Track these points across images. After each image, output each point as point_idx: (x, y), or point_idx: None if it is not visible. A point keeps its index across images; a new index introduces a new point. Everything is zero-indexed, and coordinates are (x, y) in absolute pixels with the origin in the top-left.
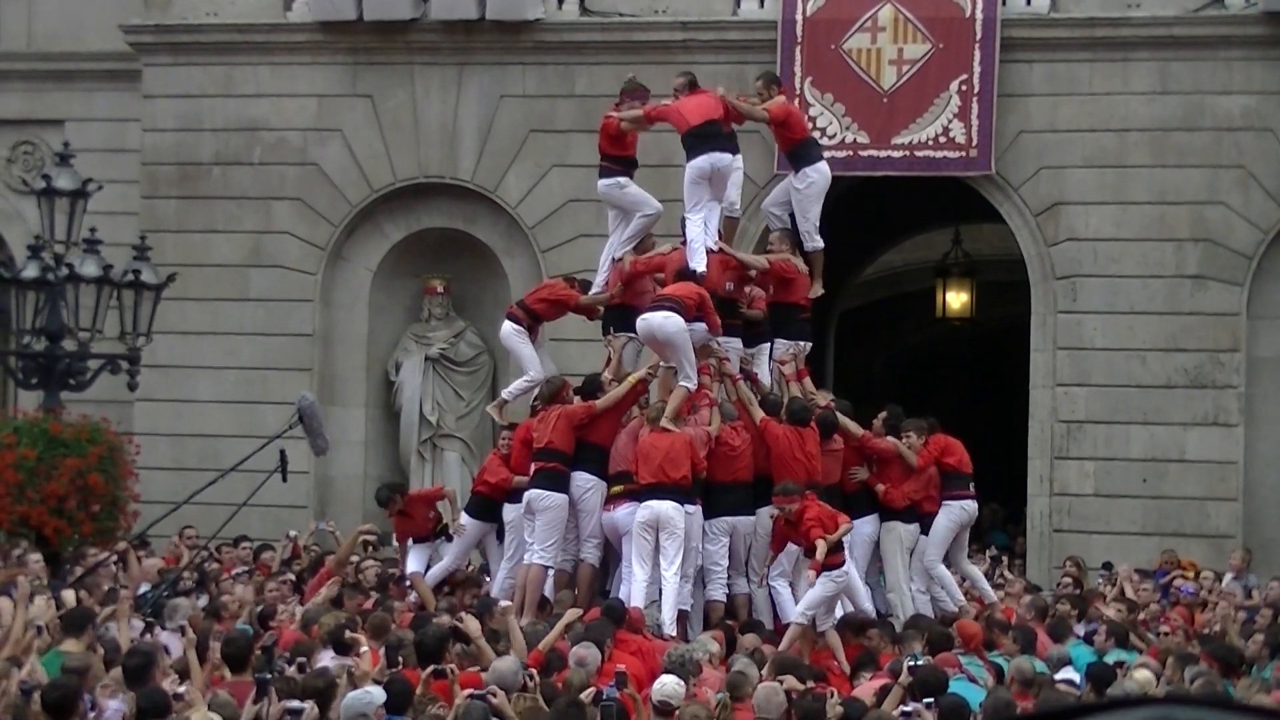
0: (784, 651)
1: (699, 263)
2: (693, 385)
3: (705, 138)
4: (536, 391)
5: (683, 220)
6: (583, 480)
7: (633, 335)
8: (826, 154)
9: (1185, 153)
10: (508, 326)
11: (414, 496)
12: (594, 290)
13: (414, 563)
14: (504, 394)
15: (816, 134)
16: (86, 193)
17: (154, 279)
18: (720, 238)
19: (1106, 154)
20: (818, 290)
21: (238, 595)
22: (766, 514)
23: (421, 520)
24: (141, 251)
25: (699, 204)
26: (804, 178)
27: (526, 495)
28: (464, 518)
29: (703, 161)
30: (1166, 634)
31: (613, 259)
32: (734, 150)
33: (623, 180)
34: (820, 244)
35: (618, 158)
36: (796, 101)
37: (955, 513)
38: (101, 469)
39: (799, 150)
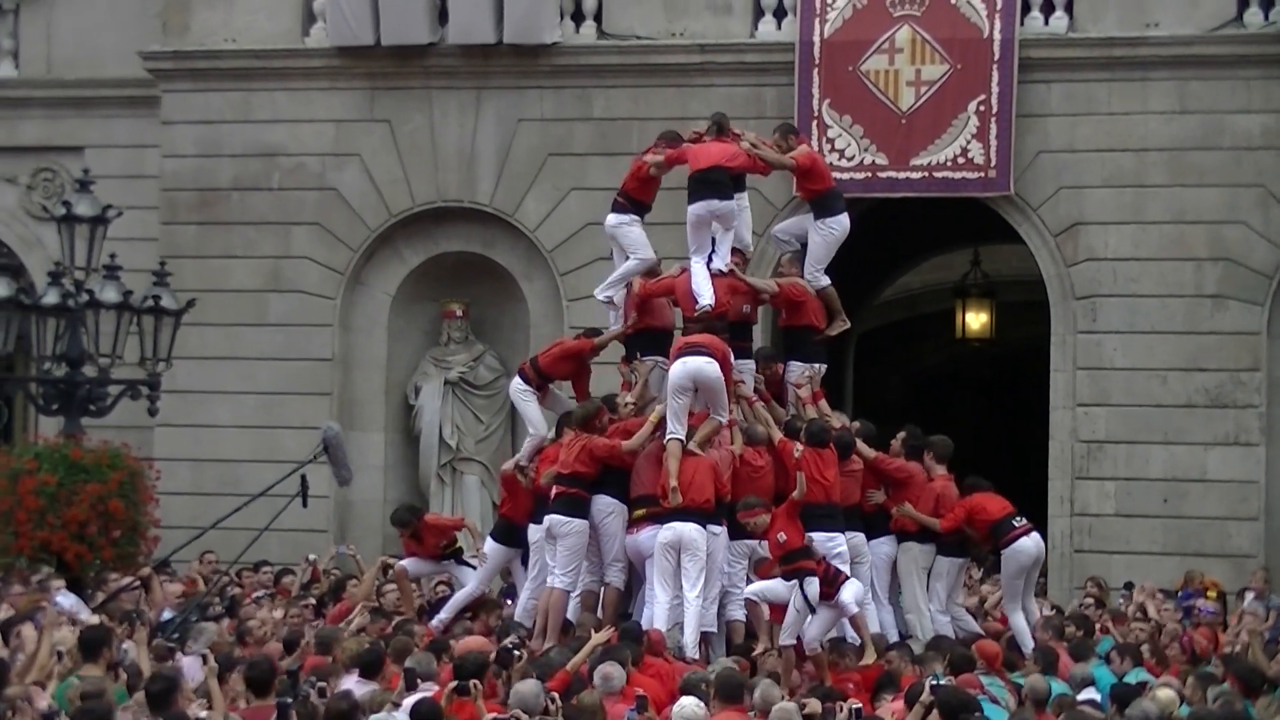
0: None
1: (704, 297)
2: (724, 420)
3: (705, 184)
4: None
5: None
6: (604, 504)
7: (658, 360)
8: (844, 176)
9: (1204, 172)
10: (515, 383)
11: (430, 524)
12: (612, 325)
13: (408, 563)
14: (519, 458)
15: (834, 155)
16: (106, 219)
17: (173, 304)
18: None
19: (1125, 174)
20: (839, 327)
21: (263, 618)
22: None
23: (431, 547)
24: (161, 277)
25: (700, 248)
26: (823, 227)
27: (546, 520)
28: (488, 543)
29: (700, 208)
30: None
31: (604, 297)
32: (731, 196)
33: (631, 219)
34: (825, 282)
35: (635, 199)
36: (814, 124)
37: (1010, 559)
38: (122, 494)
39: (822, 201)
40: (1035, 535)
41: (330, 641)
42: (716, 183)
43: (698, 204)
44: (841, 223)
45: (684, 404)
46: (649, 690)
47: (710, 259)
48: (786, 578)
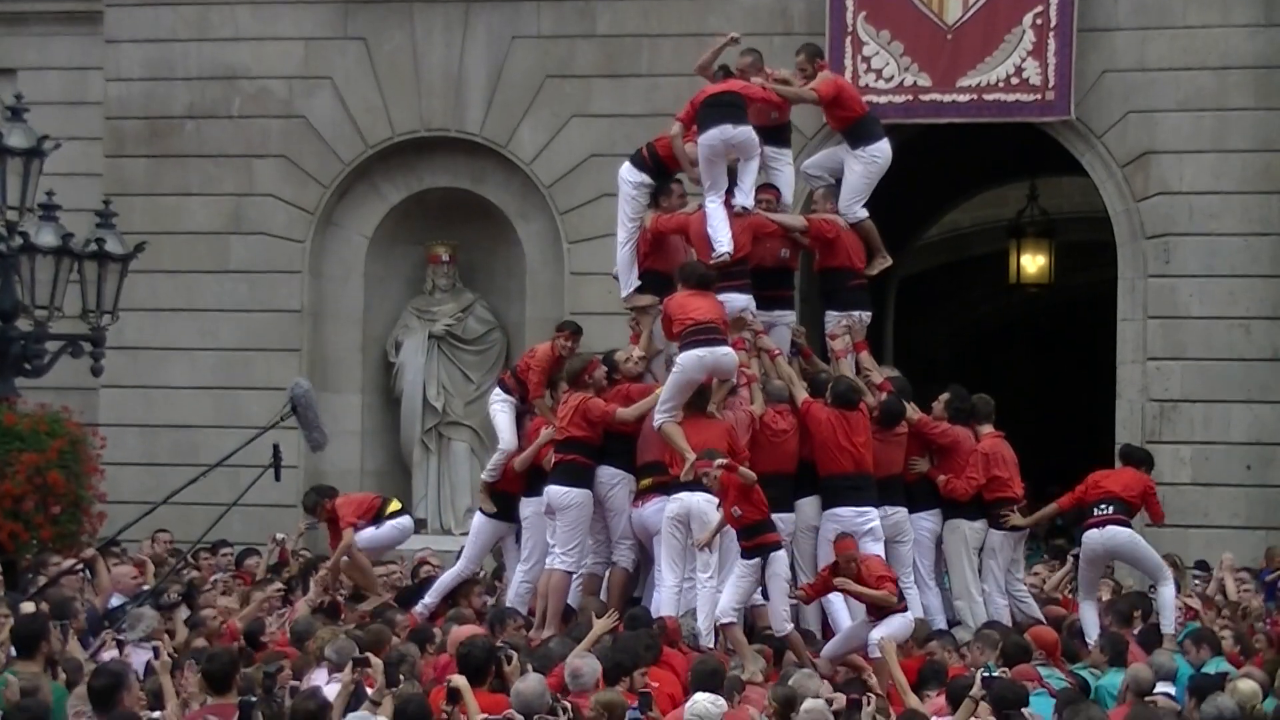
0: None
1: (722, 244)
2: (733, 381)
3: (717, 108)
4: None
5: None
6: (608, 475)
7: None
8: (882, 99)
9: None
10: (495, 394)
11: (342, 503)
12: (624, 291)
13: (361, 536)
14: (484, 476)
15: (872, 76)
16: (43, 151)
17: (120, 249)
18: (767, 207)
19: (1204, 95)
20: (880, 265)
21: (221, 606)
22: (809, 506)
23: (352, 521)
24: (106, 218)
25: (716, 185)
26: (864, 155)
27: (546, 492)
28: (477, 517)
29: (712, 136)
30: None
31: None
32: (747, 121)
33: (642, 183)
34: (863, 215)
35: (660, 159)
36: (848, 40)
37: (1082, 546)
38: (62, 465)
39: (857, 129)
40: (1110, 529)
41: (304, 634)
42: (729, 105)
43: (709, 132)
44: (883, 149)
45: (688, 395)
46: (662, 683)
47: (733, 195)
48: (748, 554)
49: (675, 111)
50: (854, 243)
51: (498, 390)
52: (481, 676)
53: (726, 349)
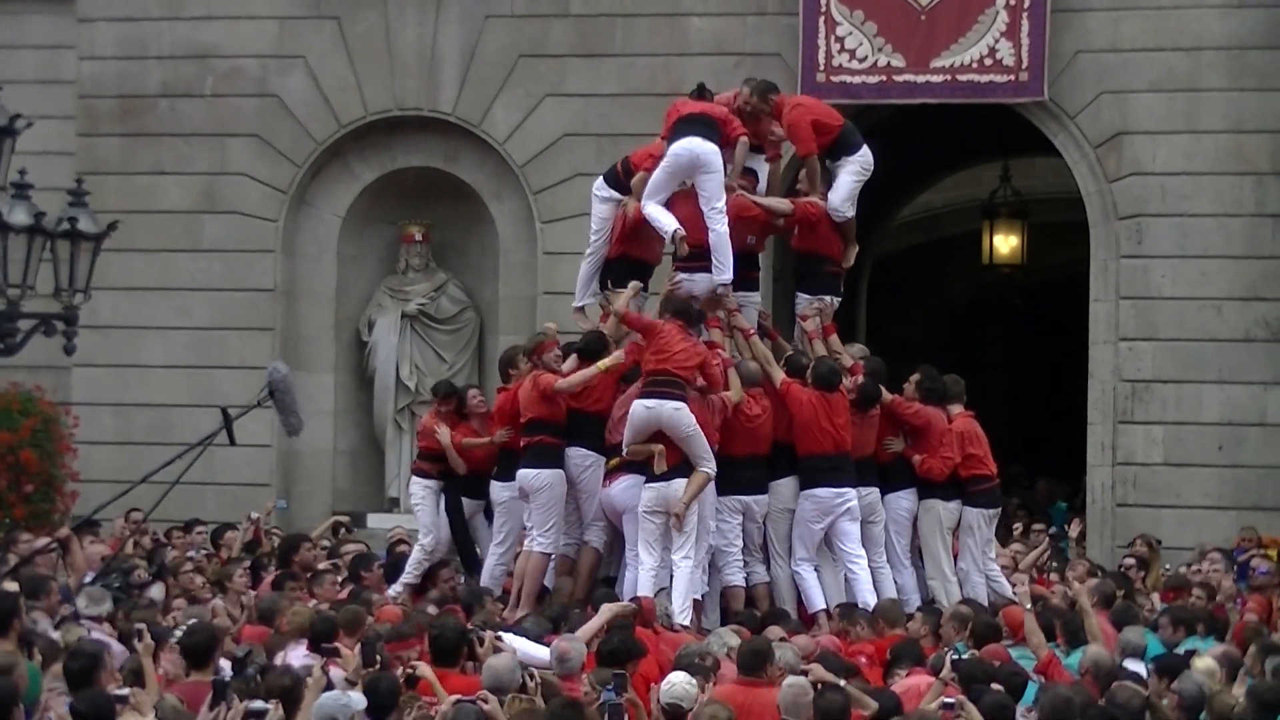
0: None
1: (668, 223)
2: (712, 470)
3: (692, 123)
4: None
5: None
6: (580, 457)
7: (639, 288)
8: (857, 79)
9: (1266, 74)
10: (413, 481)
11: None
12: (576, 301)
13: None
14: (404, 579)
15: (845, 56)
16: (15, 130)
17: (93, 228)
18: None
19: (1176, 76)
20: (853, 254)
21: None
22: (784, 487)
23: None
24: (79, 197)
25: (658, 193)
26: (847, 165)
27: (518, 476)
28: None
29: (680, 149)
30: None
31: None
32: (718, 142)
33: (611, 197)
34: (850, 214)
35: (633, 174)
36: (822, 21)
37: None
38: (35, 444)
39: (836, 147)
40: None
41: (272, 611)
42: (702, 124)
43: (679, 141)
44: (866, 156)
45: (643, 437)
46: (637, 665)
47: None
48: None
49: (648, 90)
50: (831, 232)
51: (415, 478)
52: (453, 659)
53: (677, 404)
